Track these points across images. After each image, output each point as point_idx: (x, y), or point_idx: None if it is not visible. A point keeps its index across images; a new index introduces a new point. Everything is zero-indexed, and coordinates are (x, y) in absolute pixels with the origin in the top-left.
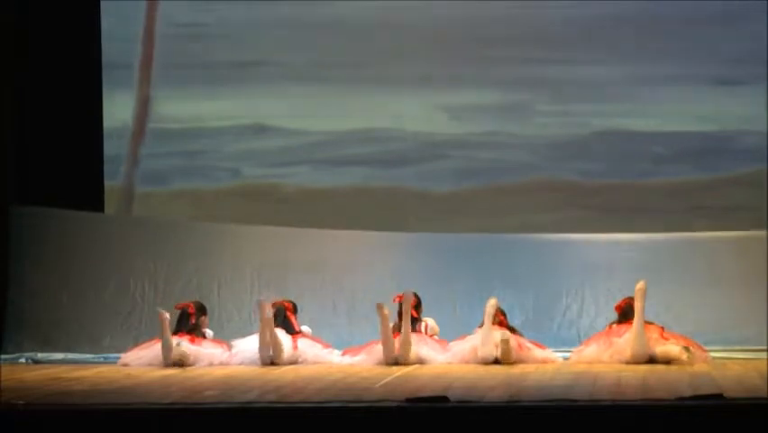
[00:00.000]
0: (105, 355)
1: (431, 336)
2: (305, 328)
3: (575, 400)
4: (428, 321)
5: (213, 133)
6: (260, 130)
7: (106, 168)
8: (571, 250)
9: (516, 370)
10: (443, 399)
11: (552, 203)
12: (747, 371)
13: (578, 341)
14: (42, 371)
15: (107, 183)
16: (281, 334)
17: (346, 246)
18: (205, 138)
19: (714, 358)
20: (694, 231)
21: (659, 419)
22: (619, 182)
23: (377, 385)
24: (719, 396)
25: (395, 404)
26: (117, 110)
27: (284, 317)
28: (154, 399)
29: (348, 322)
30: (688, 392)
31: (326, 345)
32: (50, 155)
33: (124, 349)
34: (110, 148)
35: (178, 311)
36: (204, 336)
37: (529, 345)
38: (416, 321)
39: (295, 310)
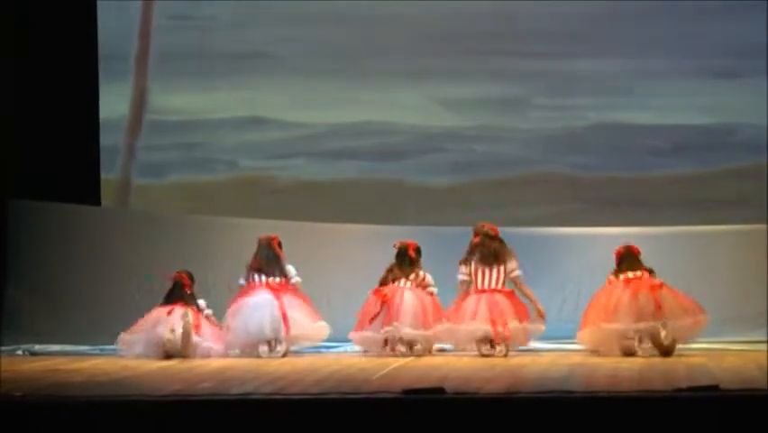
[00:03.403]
0: (102, 347)
1: (425, 287)
2: (201, 302)
3: (572, 392)
4: (426, 274)
5: (210, 125)
6: (257, 122)
7: (103, 160)
8: (569, 243)
9: (513, 361)
10: (440, 390)
11: (549, 196)
12: (744, 362)
13: (573, 333)
14: (40, 362)
15: (104, 175)
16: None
17: (342, 239)
18: (202, 130)
19: (711, 350)
20: (692, 224)
21: (655, 411)
22: (617, 176)
23: (374, 377)
24: (716, 388)
25: (392, 396)
26: (114, 102)
27: (180, 289)
28: (151, 390)
29: (343, 315)
30: (684, 384)
31: (316, 314)
32: (47, 148)
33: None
34: (107, 140)
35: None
36: (197, 306)
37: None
38: (414, 265)
39: (192, 280)
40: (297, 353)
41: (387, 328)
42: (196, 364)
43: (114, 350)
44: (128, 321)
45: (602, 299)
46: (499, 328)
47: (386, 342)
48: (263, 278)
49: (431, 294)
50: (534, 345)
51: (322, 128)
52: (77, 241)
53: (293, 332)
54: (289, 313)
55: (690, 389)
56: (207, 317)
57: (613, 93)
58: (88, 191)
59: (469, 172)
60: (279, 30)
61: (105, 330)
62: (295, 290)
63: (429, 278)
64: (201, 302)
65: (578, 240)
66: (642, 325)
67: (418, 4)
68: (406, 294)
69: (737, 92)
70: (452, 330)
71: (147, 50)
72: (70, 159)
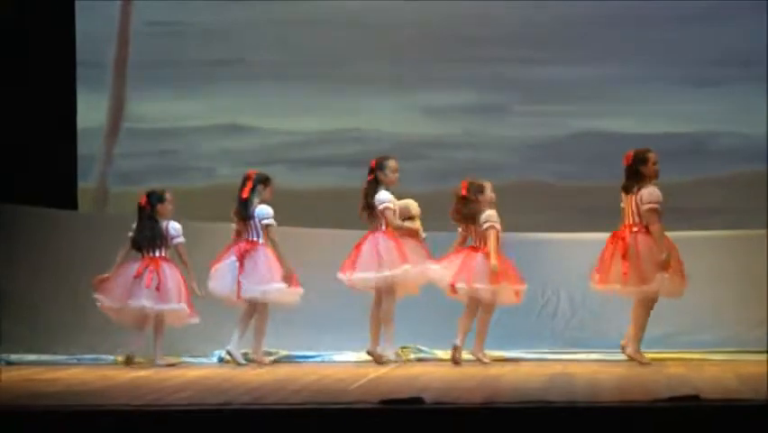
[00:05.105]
0: (79, 356)
1: (409, 218)
2: (172, 228)
3: (551, 402)
4: (409, 202)
5: (187, 133)
6: (235, 129)
7: (80, 168)
8: (548, 249)
9: (492, 371)
10: (419, 400)
11: (528, 205)
12: (724, 372)
13: (552, 342)
14: (15, 372)
15: (81, 183)
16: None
17: (325, 244)
18: (180, 138)
19: (691, 360)
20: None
21: (635, 421)
22: (599, 184)
23: (352, 387)
24: (696, 398)
25: (370, 406)
26: (91, 110)
27: (142, 213)
28: (129, 400)
29: (326, 320)
30: (664, 394)
31: (275, 273)
32: (24, 155)
33: (99, 349)
34: (84, 148)
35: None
36: (156, 225)
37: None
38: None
39: (157, 199)
40: (275, 362)
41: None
42: (174, 374)
43: (91, 359)
44: (103, 328)
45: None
46: (460, 285)
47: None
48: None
49: (411, 220)
50: (514, 354)
51: (301, 136)
52: (54, 246)
53: (245, 296)
54: (244, 281)
55: (670, 399)
56: (177, 247)
57: (593, 100)
58: (65, 199)
59: (449, 180)
60: (258, 36)
61: (82, 337)
62: (266, 235)
63: (411, 205)
64: (172, 227)
65: (555, 245)
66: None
67: (398, 10)
68: (369, 239)
69: (720, 100)
70: (406, 271)
71: (125, 56)
72: (47, 166)
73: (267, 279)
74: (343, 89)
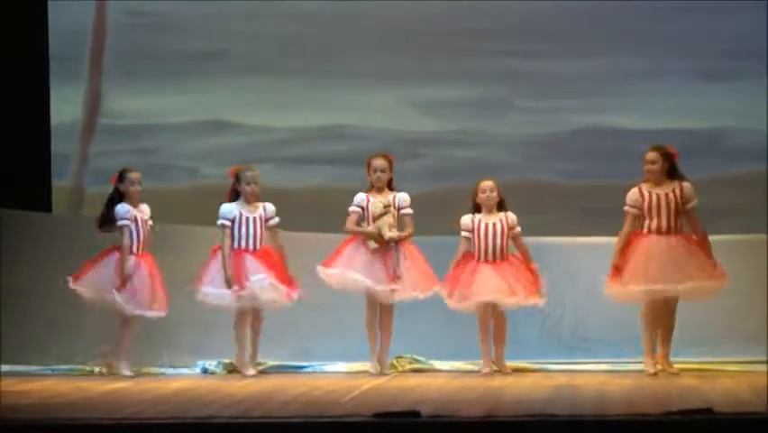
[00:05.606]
0: (52, 367)
1: (400, 209)
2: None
3: (556, 416)
4: (397, 195)
5: (168, 130)
6: (219, 126)
7: (54, 166)
8: (552, 254)
9: (493, 383)
10: (415, 414)
11: (531, 205)
12: (738, 384)
13: (557, 351)
14: None
15: (55, 182)
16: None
17: (315, 248)
18: (160, 135)
19: (704, 370)
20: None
21: None
22: (601, 183)
23: (344, 399)
24: (709, 411)
25: (363, 419)
26: (66, 105)
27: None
28: (107, 413)
29: (314, 329)
30: (676, 407)
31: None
32: None
33: (74, 359)
34: (58, 145)
35: None
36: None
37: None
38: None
39: (121, 177)
40: (263, 373)
41: None
42: (155, 386)
43: (66, 369)
44: (79, 337)
45: None
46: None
47: None
48: None
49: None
50: (517, 364)
51: (288, 133)
52: (25, 251)
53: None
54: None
55: (682, 412)
56: (121, 229)
57: (598, 95)
58: (39, 199)
59: (445, 179)
60: (243, 28)
61: (55, 348)
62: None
63: (402, 198)
64: (117, 210)
65: (558, 250)
66: None
67: (391, 1)
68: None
69: (727, 95)
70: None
71: (101, 49)
72: (20, 164)
73: (206, 282)
74: (334, 84)
